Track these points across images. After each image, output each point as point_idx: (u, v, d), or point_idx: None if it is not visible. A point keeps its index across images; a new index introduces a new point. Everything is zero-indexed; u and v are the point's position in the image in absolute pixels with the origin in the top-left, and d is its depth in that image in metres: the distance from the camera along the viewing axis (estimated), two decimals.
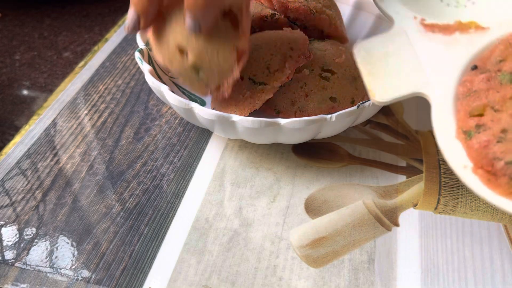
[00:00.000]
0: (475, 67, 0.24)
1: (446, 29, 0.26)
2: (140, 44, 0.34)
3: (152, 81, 0.31)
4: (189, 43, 0.27)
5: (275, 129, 0.29)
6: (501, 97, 0.23)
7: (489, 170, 0.22)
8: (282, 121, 0.28)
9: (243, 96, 0.31)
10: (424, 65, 0.25)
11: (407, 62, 0.25)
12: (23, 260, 0.28)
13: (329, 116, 0.29)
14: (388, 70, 0.25)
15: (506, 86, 0.23)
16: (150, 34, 0.30)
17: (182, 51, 0.28)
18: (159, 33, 0.29)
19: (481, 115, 0.23)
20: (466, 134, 0.23)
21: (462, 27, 0.25)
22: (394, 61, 0.25)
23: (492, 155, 0.22)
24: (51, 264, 0.27)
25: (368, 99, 0.30)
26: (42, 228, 0.29)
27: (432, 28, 0.26)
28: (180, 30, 0.27)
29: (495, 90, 0.23)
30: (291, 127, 0.29)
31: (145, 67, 0.32)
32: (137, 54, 0.33)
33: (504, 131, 0.22)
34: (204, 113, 0.29)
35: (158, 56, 0.30)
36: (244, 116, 0.30)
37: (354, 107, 0.29)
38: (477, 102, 0.23)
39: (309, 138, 0.31)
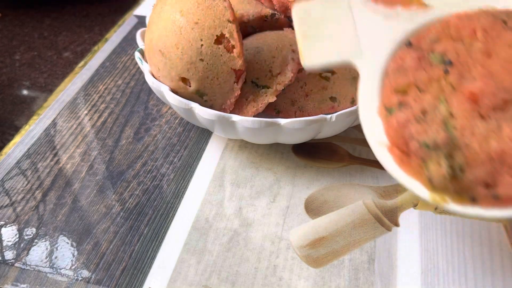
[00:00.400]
0: (409, 44, 0.24)
1: (388, 2, 0.25)
2: (140, 44, 0.34)
3: (152, 81, 0.31)
4: (190, 73, 0.29)
5: (275, 129, 0.29)
6: (428, 77, 0.22)
7: (404, 150, 0.21)
8: (282, 121, 0.29)
9: (246, 100, 0.31)
10: (360, 35, 0.24)
11: (343, 29, 0.25)
12: (23, 260, 0.28)
13: (329, 116, 0.29)
14: (322, 35, 0.25)
15: (435, 68, 0.22)
16: (151, 69, 0.32)
17: (185, 80, 0.29)
18: (160, 68, 0.30)
19: (405, 92, 0.22)
20: (387, 111, 0.22)
21: (405, 2, 0.25)
22: (331, 27, 0.25)
23: (408, 135, 0.21)
24: (51, 264, 0.27)
25: None
26: (42, 228, 0.29)
27: None
28: (180, 63, 0.29)
29: (424, 70, 0.23)
30: (291, 127, 0.29)
31: (145, 67, 0.32)
32: (137, 54, 0.33)
33: (424, 112, 0.22)
34: (204, 113, 0.29)
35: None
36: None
37: (354, 107, 0.29)
38: (403, 80, 0.23)
39: (309, 138, 0.31)
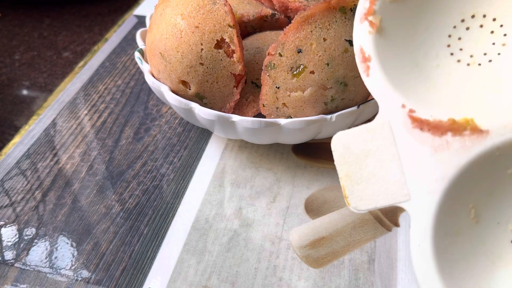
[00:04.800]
0: None
1: (436, 128, 0.21)
2: (140, 44, 0.34)
3: (152, 81, 0.31)
4: (189, 76, 0.29)
5: (275, 129, 0.29)
6: None
7: None
8: (282, 121, 0.29)
9: (246, 100, 0.32)
10: (407, 173, 0.21)
11: (388, 166, 0.22)
12: (23, 261, 0.28)
13: (329, 116, 0.29)
14: (366, 175, 0.22)
15: None
16: (151, 71, 0.32)
17: (185, 83, 0.30)
18: (160, 70, 0.30)
19: None
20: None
21: (455, 128, 0.21)
22: (373, 163, 0.22)
23: None
24: (50, 264, 0.27)
25: (369, 99, 0.30)
26: (42, 228, 0.29)
27: (421, 124, 0.21)
28: (180, 66, 0.29)
29: None
30: (291, 127, 0.29)
31: (145, 67, 0.32)
32: (136, 54, 0.33)
33: None
34: (204, 113, 0.29)
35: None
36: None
37: (354, 107, 0.29)
38: None
39: (309, 138, 0.31)
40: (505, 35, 0.23)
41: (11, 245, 0.29)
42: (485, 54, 0.24)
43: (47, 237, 0.29)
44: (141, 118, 0.38)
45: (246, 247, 0.28)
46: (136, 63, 0.44)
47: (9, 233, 0.29)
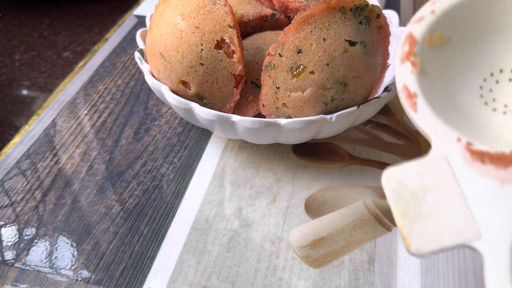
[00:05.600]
0: None
1: (499, 160, 0.20)
2: (140, 44, 0.34)
3: (152, 81, 0.31)
4: (189, 76, 0.29)
5: (275, 129, 0.29)
6: None
7: None
8: (282, 121, 0.29)
9: (246, 100, 0.32)
10: (473, 209, 0.19)
11: (451, 202, 0.20)
12: (23, 261, 0.28)
13: (329, 116, 0.29)
14: (426, 211, 0.20)
15: None
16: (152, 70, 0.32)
17: (185, 83, 0.30)
18: (160, 70, 0.30)
19: None
20: None
21: None
22: (434, 199, 0.20)
23: None
24: (50, 264, 0.27)
25: (368, 100, 0.30)
26: (42, 228, 0.29)
27: (481, 156, 0.20)
28: (180, 67, 0.29)
29: None
30: (291, 128, 0.29)
31: (145, 67, 0.32)
32: (136, 54, 0.33)
33: None
34: (204, 113, 0.29)
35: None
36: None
37: (354, 107, 0.29)
38: None
39: (309, 138, 0.31)
40: None
41: (11, 245, 0.29)
42: None
43: (47, 237, 0.29)
44: (141, 118, 0.38)
45: (246, 247, 0.28)
46: (136, 63, 0.44)
47: (9, 233, 0.29)
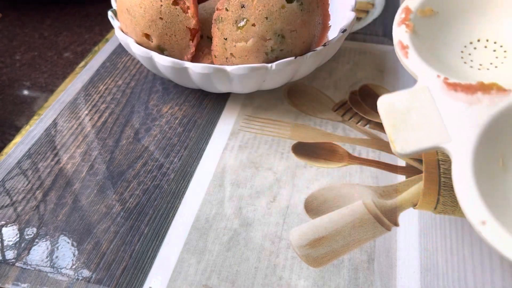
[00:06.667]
0: None
1: (468, 89, 0.26)
2: (114, 5, 0.38)
3: (120, 35, 0.36)
4: (151, 29, 0.34)
5: (224, 75, 0.33)
6: None
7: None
8: (229, 68, 0.33)
9: (202, 53, 0.36)
10: (446, 122, 0.25)
11: (429, 117, 0.26)
12: (24, 260, 0.28)
13: (270, 64, 0.33)
14: (410, 124, 0.26)
15: None
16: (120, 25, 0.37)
17: (148, 36, 0.34)
18: (127, 24, 0.35)
19: None
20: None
21: (484, 88, 0.26)
22: (417, 116, 0.26)
23: None
24: (51, 264, 0.28)
25: (306, 53, 0.34)
26: (43, 228, 0.30)
27: (454, 87, 0.26)
28: (142, 20, 0.33)
29: None
30: (237, 73, 0.33)
31: (115, 24, 0.36)
32: (109, 13, 0.37)
33: None
34: (162, 60, 0.33)
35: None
36: None
37: (292, 57, 0.33)
38: None
39: (257, 86, 0.35)
40: (505, 51, 0.31)
41: (12, 244, 0.29)
42: (491, 63, 0.31)
43: (48, 236, 0.29)
44: (141, 118, 0.38)
45: (246, 247, 0.28)
46: (137, 64, 0.44)
47: (10, 233, 0.29)
